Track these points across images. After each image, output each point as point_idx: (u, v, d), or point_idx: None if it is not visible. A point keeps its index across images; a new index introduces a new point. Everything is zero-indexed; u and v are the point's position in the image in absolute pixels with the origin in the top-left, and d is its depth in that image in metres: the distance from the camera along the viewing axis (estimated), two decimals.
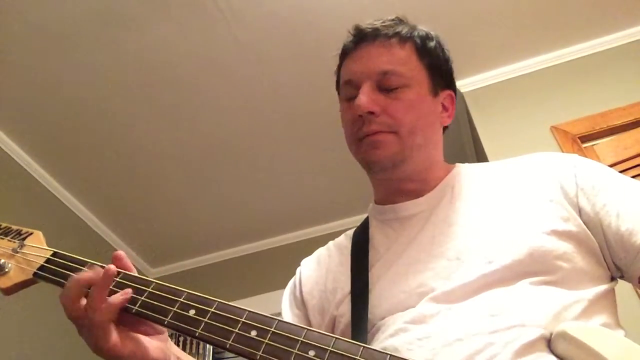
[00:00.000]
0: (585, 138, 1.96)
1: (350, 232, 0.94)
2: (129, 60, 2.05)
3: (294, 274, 0.95)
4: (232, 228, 2.91)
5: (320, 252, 0.95)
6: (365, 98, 0.83)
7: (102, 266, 0.72)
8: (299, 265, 0.96)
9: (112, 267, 0.71)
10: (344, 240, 0.93)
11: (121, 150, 2.42)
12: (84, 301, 0.68)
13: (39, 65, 2.01)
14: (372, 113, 0.83)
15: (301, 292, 0.89)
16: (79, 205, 2.65)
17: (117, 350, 0.67)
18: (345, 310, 0.80)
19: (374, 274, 0.80)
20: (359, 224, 0.96)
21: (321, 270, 0.90)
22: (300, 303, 0.88)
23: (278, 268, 1.93)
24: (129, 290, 0.70)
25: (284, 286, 0.96)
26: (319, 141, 2.48)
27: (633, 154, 1.83)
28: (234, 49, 2.06)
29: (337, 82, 0.97)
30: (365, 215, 0.95)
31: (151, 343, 0.72)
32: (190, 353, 2.40)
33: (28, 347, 2.17)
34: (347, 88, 0.89)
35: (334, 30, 2.14)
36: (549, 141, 1.97)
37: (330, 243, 0.96)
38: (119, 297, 0.69)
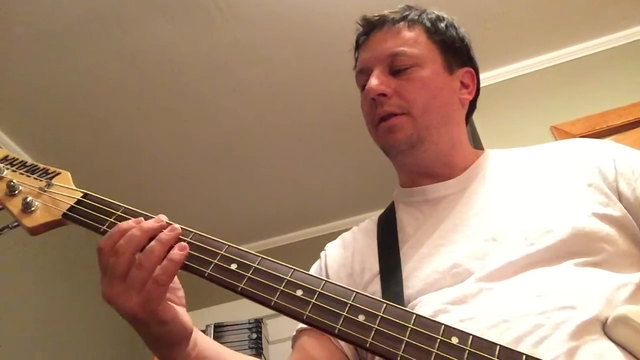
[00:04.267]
0: (585, 138, 1.96)
1: (375, 217, 0.92)
2: (129, 61, 2.05)
3: None
4: (232, 228, 2.91)
5: (345, 236, 0.94)
6: (375, 80, 0.84)
7: (149, 216, 0.67)
8: (323, 249, 0.94)
9: (178, 226, 0.64)
10: (369, 224, 0.92)
11: (120, 150, 2.41)
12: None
13: (37, 66, 2.01)
14: (383, 95, 0.84)
15: (327, 275, 0.87)
16: None
17: (163, 312, 0.61)
18: (375, 290, 0.78)
19: (404, 254, 0.79)
20: (361, 222, 0.95)
21: (347, 253, 0.88)
22: None
23: None
24: (185, 245, 0.63)
25: None
26: (320, 141, 2.48)
27: None
28: (234, 49, 2.06)
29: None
30: (367, 214, 0.94)
31: (180, 309, 0.67)
32: None
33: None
34: (360, 77, 0.90)
35: (334, 30, 2.14)
36: (549, 141, 1.97)
37: (354, 227, 0.95)
38: (179, 253, 0.62)
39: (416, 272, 0.75)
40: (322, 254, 0.93)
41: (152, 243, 0.62)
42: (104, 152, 2.40)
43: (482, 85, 2.22)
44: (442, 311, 0.67)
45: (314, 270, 0.92)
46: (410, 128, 0.83)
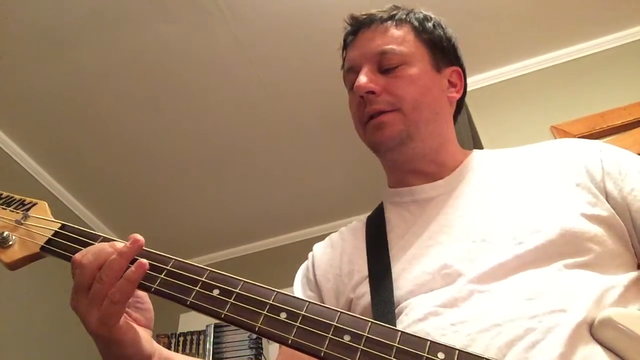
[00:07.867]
0: (585, 138, 1.96)
1: (364, 217, 0.92)
2: (129, 61, 2.05)
3: (292, 274, 0.93)
4: (232, 229, 2.91)
5: (333, 236, 0.93)
6: (363, 78, 0.84)
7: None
8: (311, 250, 0.94)
9: (140, 237, 0.64)
10: (358, 225, 0.91)
11: (119, 151, 2.42)
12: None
13: (38, 66, 2.01)
14: (372, 92, 0.83)
15: (315, 274, 0.87)
16: (78, 205, 2.65)
17: (120, 333, 0.61)
18: (363, 292, 0.77)
19: (393, 255, 0.78)
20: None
21: (335, 253, 0.87)
22: (314, 285, 0.86)
23: (277, 268, 1.93)
24: (143, 262, 0.62)
25: (281, 287, 0.94)
26: (319, 142, 2.49)
27: None
28: (234, 49, 2.06)
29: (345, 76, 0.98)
30: (363, 216, 0.93)
31: (143, 333, 0.67)
32: (190, 353, 2.40)
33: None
34: (349, 76, 0.90)
35: (334, 30, 2.13)
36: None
37: (343, 228, 0.94)
38: (136, 270, 0.61)
39: (405, 273, 0.74)
40: (310, 254, 0.93)
41: (112, 256, 0.62)
42: (103, 151, 2.41)
43: (482, 85, 2.26)
44: (433, 314, 0.66)
45: (301, 271, 0.92)
46: (400, 124, 0.83)
